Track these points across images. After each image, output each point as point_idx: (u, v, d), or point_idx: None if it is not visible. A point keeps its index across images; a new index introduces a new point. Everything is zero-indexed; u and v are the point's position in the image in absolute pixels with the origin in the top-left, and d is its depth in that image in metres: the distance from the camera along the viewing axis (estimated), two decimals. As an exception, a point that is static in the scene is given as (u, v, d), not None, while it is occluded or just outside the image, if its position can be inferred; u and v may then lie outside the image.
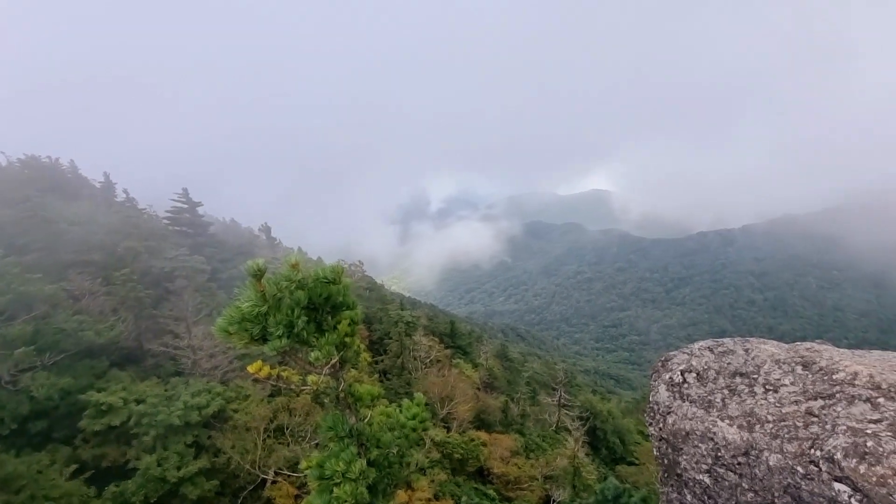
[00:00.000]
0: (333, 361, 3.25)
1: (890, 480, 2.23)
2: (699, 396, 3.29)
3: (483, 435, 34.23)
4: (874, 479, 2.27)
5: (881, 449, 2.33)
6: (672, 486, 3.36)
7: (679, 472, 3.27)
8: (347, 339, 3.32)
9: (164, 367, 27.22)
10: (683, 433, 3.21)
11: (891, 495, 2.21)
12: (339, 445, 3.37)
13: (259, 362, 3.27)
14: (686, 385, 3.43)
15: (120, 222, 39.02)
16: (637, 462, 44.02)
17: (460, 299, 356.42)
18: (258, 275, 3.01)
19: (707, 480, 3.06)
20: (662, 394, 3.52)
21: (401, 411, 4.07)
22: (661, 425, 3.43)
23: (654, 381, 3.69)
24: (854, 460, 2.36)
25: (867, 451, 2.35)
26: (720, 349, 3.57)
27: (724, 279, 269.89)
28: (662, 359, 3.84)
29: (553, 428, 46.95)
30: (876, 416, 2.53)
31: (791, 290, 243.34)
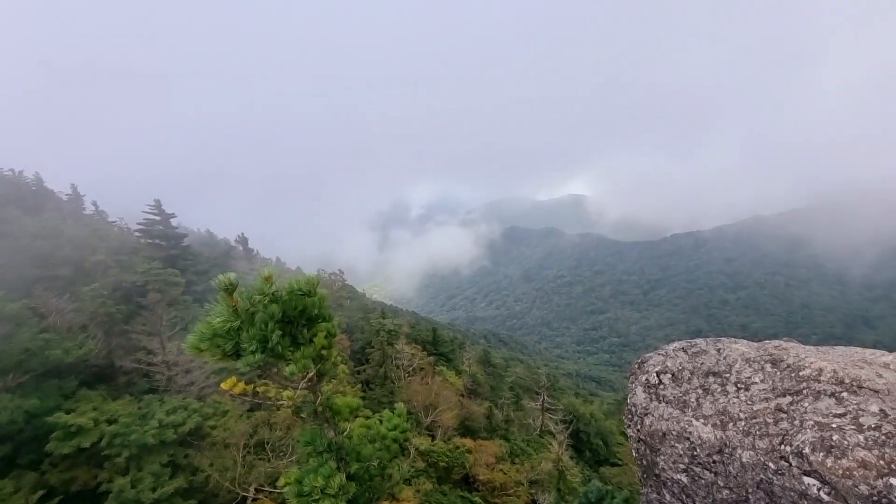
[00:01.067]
0: (310, 375, 3.19)
1: (855, 472, 2.32)
2: (674, 397, 3.36)
3: (468, 442, 34.10)
4: (840, 471, 2.35)
5: (846, 442, 2.42)
6: (651, 486, 3.41)
7: (657, 472, 3.32)
8: (324, 352, 3.25)
9: (137, 384, 26.29)
10: (660, 434, 3.27)
11: (856, 486, 2.30)
12: (317, 460, 3.29)
13: (233, 379, 3.18)
14: (662, 386, 3.50)
15: (88, 235, 37.74)
16: (620, 463, 44.53)
17: (442, 306, 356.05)
18: (230, 289, 2.93)
19: (684, 479, 3.11)
20: (639, 395, 3.59)
21: (382, 422, 4.02)
22: (638, 427, 3.49)
23: (632, 382, 3.76)
24: (821, 454, 2.45)
25: (833, 444, 2.44)
26: (693, 350, 3.66)
27: (699, 280, 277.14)
28: (639, 361, 3.91)
29: (537, 432, 47.12)
30: (840, 411, 2.62)
31: (761, 289, 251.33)
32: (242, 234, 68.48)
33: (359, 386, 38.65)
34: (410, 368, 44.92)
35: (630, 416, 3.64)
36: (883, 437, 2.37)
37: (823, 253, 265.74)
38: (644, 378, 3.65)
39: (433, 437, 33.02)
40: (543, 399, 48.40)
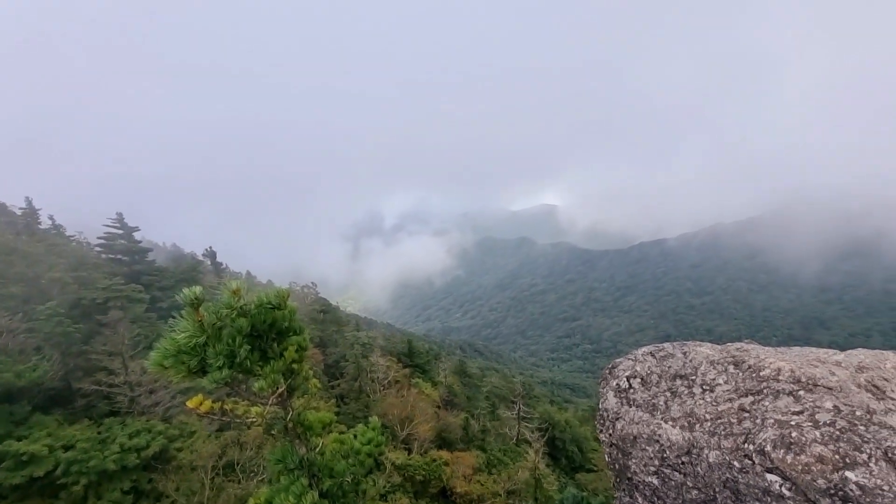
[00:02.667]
0: (280, 390, 3.10)
1: (813, 467, 2.42)
2: (644, 400, 3.44)
3: (445, 454, 33.74)
4: (799, 467, 2.45)
5: (804, 438, 2.53)
6: (624, 489, 3.46)
7: (630, 475, 3.38)
8: (295, 366, 3.17)
9: (97, 407, 24.93)
10: (631, 437, 3.34)
11: (815, 481, 2.40)
12: (288, 478, 3.18)
13: (199, 396, 3.05)
14: (632, 390, 3.57)
15: (44, 251, 35.86)
16: (595, 469, 44.94)
17: (417, 317, 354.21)
18: (195, 303, 2.84)
19: (655, 482, 3.18)
20: (611, 400, 3.65)
21: (356, 437, 3.94)
22: (610, 431, 3.55)
23: (603, 388, 3.82)
24: (782, 451, 2.55)
25: (792, 441, 2.55)
26: (661, 354, 3.76)
27: (666, 286, 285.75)
28: (610, 366, 3.99)
29: (514, 441, 47.12)
30: (798, 408, 2.75)
31: (725, 293, 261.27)
32: (210, 247, 66.56)
33: (333, 400, 37.85)
34: (386, 381, 44.32)
35: (602, 422, 3.70)
36: (837, 433, 2.50)
37: (779, 258, 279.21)
38: (615, 383, 3.73)
39: (409, 451, 32.55)
40: (519, 408, 48.53)
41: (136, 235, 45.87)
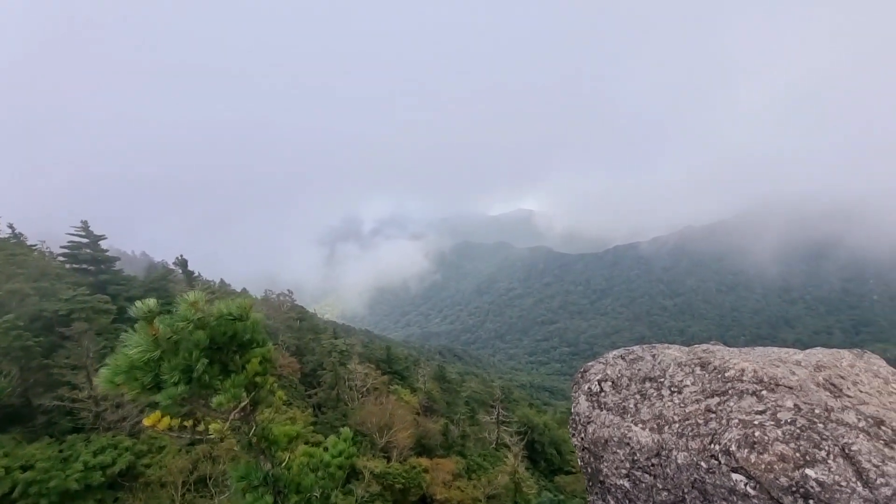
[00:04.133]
0: (243, 404, 2.99)
1: (775, 466, 2.48)
2: (615, 404, 3.47)
3: (424, 461, 33.48)
4: (763, 465, 2.50)
5: (766, 437, 2.59)
6: (597, 493, 3.48)
7: (602, 479, 3.39)
8: (259, 379, 3.06)
9: (58, 424, 23.75)
10: (603, 441, 3.36)
11: (777, 479, 2.46)
12: (253, 495, 3.05)
13: (157, 413, 2.90)
14: (603, 394, 3.60)
15: (2, 261, 34.02)
16: (574, 470, 45.34)
17: (396, 322, 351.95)
18: (149, 317, 2.70)
19: (627, 484, 3.20)
20: (582, 404, 3.67)
21: (326, 449, 3.82)
22: (582, 435, 3.56)
23: (575, 392, 3.84)
24: (746, 450, 2.60)
25: (755, 440, 2.60)
26: (631, 357, 3.81)
27: (640, 288, 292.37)
28: (581, 370, 4.02)
29: (493, 446, 47.15)
30: (761, 408, 2.81)
31: (696, 295, 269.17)
32: (181, 255, 64.54)
33: (310, 410, 37.13)
34: (364, 389, 43.77)
35: (574, 426, 3.71)
36: (797, 431, 2.56)
37: (745, 260, 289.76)
38: (586, 387, 3.75)
39: (389, 459, 32.16)
40: (498, 412, 48.65)
41: (103, 244, 44.12)
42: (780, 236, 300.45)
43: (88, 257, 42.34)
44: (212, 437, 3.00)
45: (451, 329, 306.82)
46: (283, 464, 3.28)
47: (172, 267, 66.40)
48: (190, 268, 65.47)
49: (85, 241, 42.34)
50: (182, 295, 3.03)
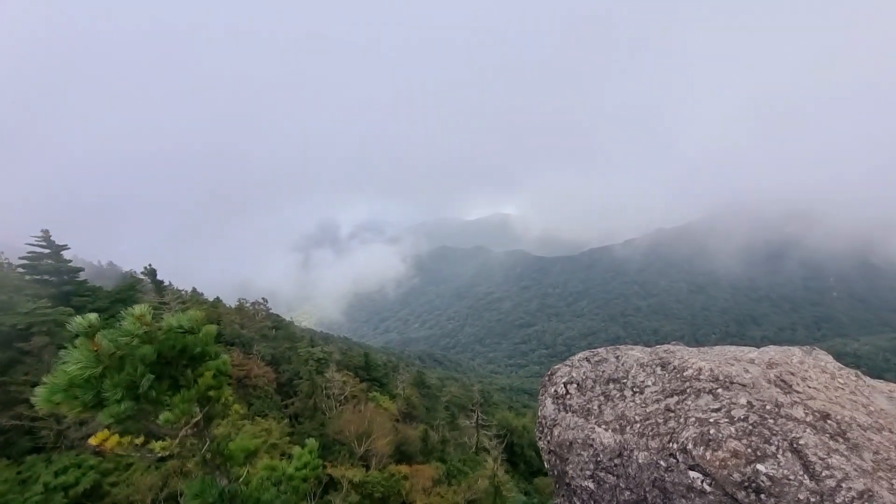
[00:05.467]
0: (196, 420, 2.88)
1: (729, 462, 2.54)
2: (579, 406, 3.51)
3: (404, 468, 33.13)
4: (717, 462, 2.57)
5: (720, 434, 2.66)
6: (563, 495, 3.50)
7: (567, 481, 3.42)
8: (212, 393, 2.96)
9: (17, 444, 22.46)
10: (568, 443, 3.39)
11: (730, 475, 2.52)
12: (208, 513, 2.95)
13: (105, 431, 2.77)
14: (568, 396, 3.64)
15: (-48, 273, 32.15)
16: (553, 472, 45.70)
17: (375, 329, 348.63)
18: (90, 332, 2.57)
19: (591, 486, 3.23)
20: (549, 407, 3.70)
21: (291, 461, 3.72)
22: (549, 438, 3.59)
23: (542, 395, 3.87)
24: (702, 448, 2.66)
25: (710, 438, 2.67)
26: (596, 358, 3.87)
27: (614, 290, 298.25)
28: (549, 373, 4.05)
29: (473, 450, 47.08)
30: (716, 406, 2.89)
31: (668, 295, 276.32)
32: (150, 265, 62.42)
33: (287, 420, 36.32)
34: (342, 397, 43.09)
35: (541, 428, 3.74)
36: (749, 427, 2.64)
37: (715, 261, 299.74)
38: (553, 390, 3.79)
39: (368, 467, 31.72)
40: (478, 416, 48.65)
41: (66, 254, 42.19)
42: (744, 237, 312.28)
43: (50, 268, 40.42)
44: (158, 454, 2.87)
45: (430, 334, 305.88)
46: (241, 479, 3.18)
47: (141, 277, 64.15)
48: (161, 277, 63.27)
49: (46, 251, 40.47)
50: (127, 309, 2.90)
